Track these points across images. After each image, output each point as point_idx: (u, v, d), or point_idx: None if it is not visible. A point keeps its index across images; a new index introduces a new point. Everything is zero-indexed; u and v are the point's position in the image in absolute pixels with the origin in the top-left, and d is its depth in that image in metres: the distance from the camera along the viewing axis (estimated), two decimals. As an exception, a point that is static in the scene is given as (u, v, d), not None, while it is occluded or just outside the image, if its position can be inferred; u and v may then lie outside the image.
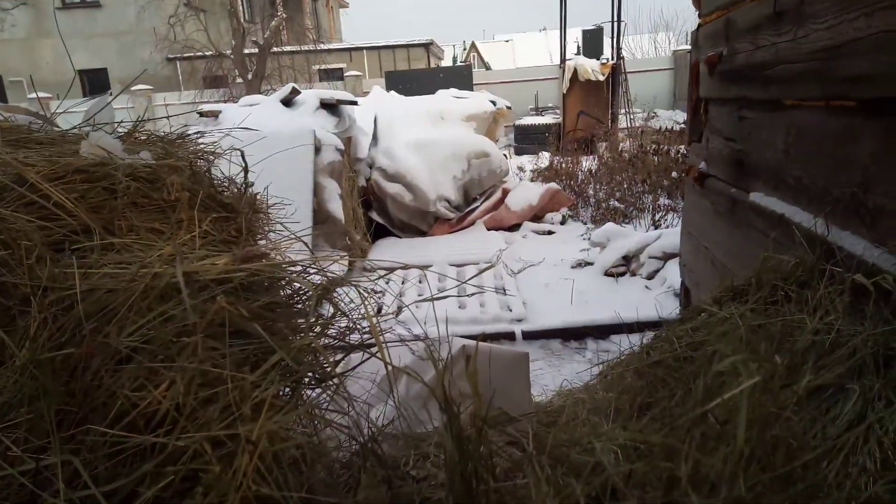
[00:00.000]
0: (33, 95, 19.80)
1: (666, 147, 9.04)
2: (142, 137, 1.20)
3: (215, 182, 1.06)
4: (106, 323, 0.66)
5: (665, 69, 17.65)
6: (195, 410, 0.65)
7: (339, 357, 0.88)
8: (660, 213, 7.38)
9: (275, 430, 0.65)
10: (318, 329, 0.87)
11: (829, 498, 0.63)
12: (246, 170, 1.10)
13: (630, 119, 12.49)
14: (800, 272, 1.73)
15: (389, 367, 0.81)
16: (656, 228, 6.91)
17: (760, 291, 1.83)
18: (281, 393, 0.77)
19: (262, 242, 1.07)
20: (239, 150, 1.10)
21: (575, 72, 13.57)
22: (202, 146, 1.18)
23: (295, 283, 0.88)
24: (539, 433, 0.78)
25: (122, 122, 1.18)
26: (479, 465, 0.66)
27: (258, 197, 1.13)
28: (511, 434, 0.73)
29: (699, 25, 2.84)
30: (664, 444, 0.68)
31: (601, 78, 13.35)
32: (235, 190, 1.07)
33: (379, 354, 0.83)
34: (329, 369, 0.83)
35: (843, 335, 1.48)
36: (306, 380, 0.83)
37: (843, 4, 1.51)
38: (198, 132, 1.37)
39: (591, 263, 6.08)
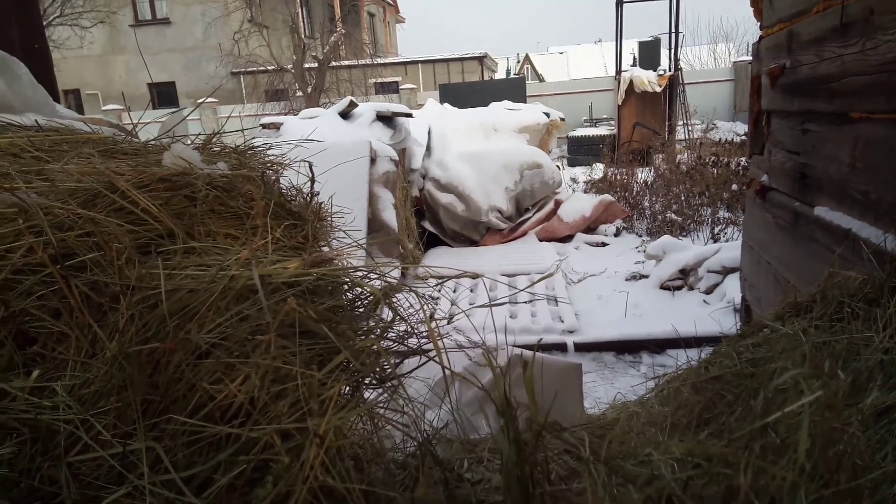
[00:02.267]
0: (106, 107, 20.97)
1: (725, 159, 8.79)
2: (216, 149, 1.27)
3: (284, 191, 1.12)
4: (187, 320, 0.72)
5: (725, 80, 17.19)
6: (267, 404, 0.69)
7: (398, 359, 0.91)
8: (719, 227, 7.17)
9: (340, 425, 0.69)
10: (378, 332, 0.90)
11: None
12: (312, 180, 1.15)
13: (688, 130, 12.20)
14: (868, 289, 1.67)
15: (447, 372, 0.84)
16: (715, 242, 6.72)
17: (825, 308, 1.77)
18: (343, 391, 0.80)
19: (326, 249, 1.12)
20: (307, 161, 1.16)
21: (631, 83, 13.38)
22: (271, 157, 1.24)
23: (357, 288, 0.92)
24: (594, 442, 0.79)
25: (198, 135, 1.26)
26: (536, 470, 0.68)
27: (322, 206, 1.18)
28: (566, 441, 0.75)
29: (760, 37, 2.78)
30: (723, 454, 0.68)
31: (658, 89, 13.12)
32: (302, 199, 1.12)
33: (437, 358, 0.86)
34: (389, 371, 0.87)
35: (913, 354, 1.42)
36: (368, 380, 0.86)
37: (916, 13, 1.46)
38: (265, 143, 1.44)
39: (646, 276, 5.96)
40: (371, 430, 0.88)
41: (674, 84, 13.15)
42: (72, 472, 0.65)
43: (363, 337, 0.86)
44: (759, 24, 2.87)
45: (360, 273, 0.90)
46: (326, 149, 2.35)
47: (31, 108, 1.44)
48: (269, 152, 1.38)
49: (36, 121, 1.13)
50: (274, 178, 1.16)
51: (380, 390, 0.87)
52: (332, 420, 0.67)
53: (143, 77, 25.44)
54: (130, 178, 0.86)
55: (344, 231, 1.18)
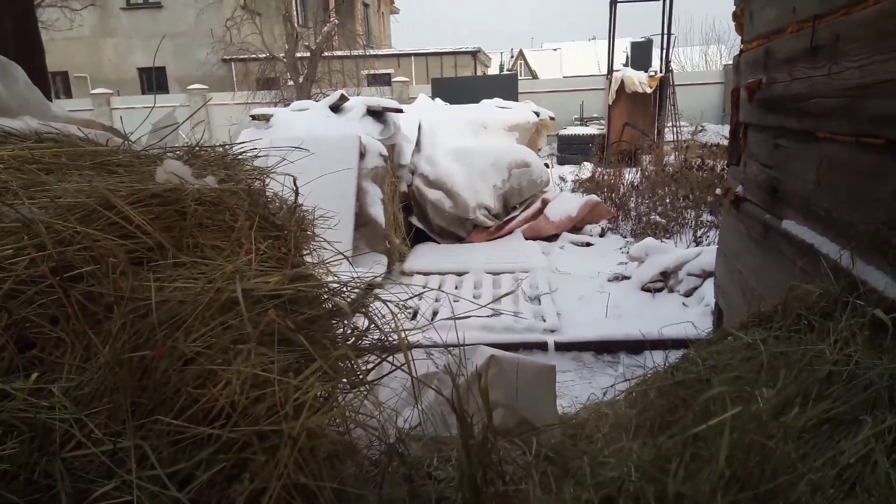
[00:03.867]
0: (95, 91, 20.76)
1: (711, 162, 8.91)
2: (203, 153, 1.33)
3: (268, 204, 1.18)
4: (175, 329, 0.78)
5: (715, 83, 17.34)
6: (246, 408, 0.76)
7: (370, 366, 0.98)
8: (702, 230, 7.29)
9: (313, 428, 0.76)
10: (352, 340, 0.97)
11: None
12: (296, 193, 1.22)
13: (676, 132, 12.32)
14: (823, 303, 1.76)
15: (414, 379, 0.91)
16: (698, 245, 6.84)
17: (785, 319, 1.86)
18: (319, 396, 0.87)
19: (308, 258, 1.19)
20: (291, 175, 1.23)
21: (622, 83, 13.48)
22: (257, 167, 1.30)
23: (334, 299, 0.99)
24: (545, 444, 0.86)
25: (191, 146, 1.32)
26: (488, 470, 0.75)
27: (305, 217, 1.25)
28: (518, 444, 0.82)
29: (741, 51, 2.87)
30: (655, 462, 0.76)
31: (648, 90, 13.23)
32: (286, 212, 1.19)
33: (406, 366, 0.93)
34: (361, 377, 0.94)
35: (860, 367, 1.51)
36: (341, 385, 0.93)
37: (875, 45, 1.54)
38: (254, 147, 1.49)
39: (627, 277, 6.06)
40: (344, 431, 0.95)
41: (664, 85, 13.26)
42: (66, 466, 0.72)
43: (338, 345, 0.93)
44: (740, 38, 2.96)
45: (336, 285, 0.97)
46: (314, 142, 2.39)
47: (27, 110, 1.49)
48: (256, 151, 1.44)
49: (36, 132, 1.18)
50: (260, 188, 1.22)
51: (352, 395, 0.94)
52: (306, 423, 0.74)
53: (132, 61, 25.20)
54: (125, 195, 0.92)
55: (327, 241, 1.24)
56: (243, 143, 1.52)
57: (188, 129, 1.71)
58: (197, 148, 1.37)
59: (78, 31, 22.98)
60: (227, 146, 1.35)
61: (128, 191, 0.93)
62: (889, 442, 1.27)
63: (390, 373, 0.98)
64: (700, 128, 12.40)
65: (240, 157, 1.35)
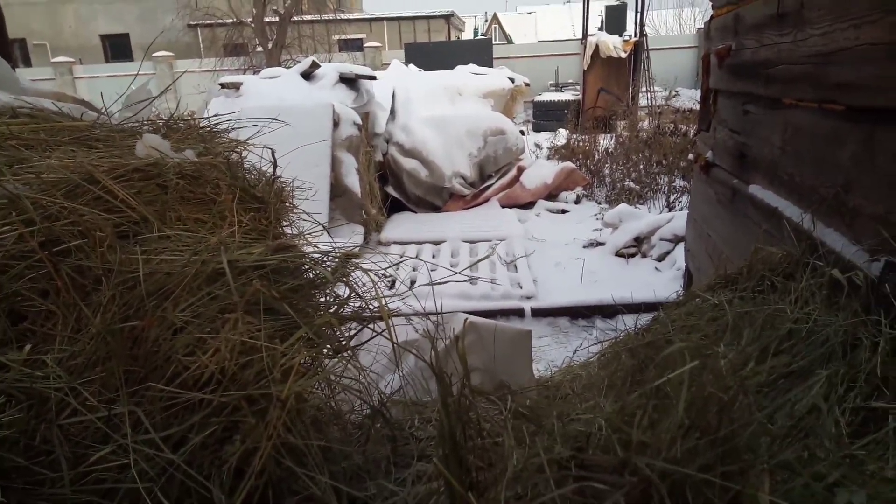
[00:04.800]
0: (56, 59, 20.04)
1: (684, 128, 9.01)
2: (179, 126, 1.34)
3: (247, 176, 1.19)
4: (163, 300, 0.81)
5: (689, 47, 17.37)
6: (235, 374, 0.79)
7: (352, 332, 1.02)
8: (674, 195, 7.40)
9: (299, 391, 0.80)
10: (334, 308, 1.01)
11: (752, 456, 0.76)
12: (275, 165, 1.23)
13: (651, 98, 12.37)
14: (786, 264, 1.84)
15: (395, 344, 0.95)
16: (670, 210, 6.96)
17: (750, 280, 1.95)
18: (303, 362, 0.91)
19: (288, 230, 1.21)
20: (270, 148, 1.24)
21: (597, 48, 13.43)
22: (233, 140, 1.31)
23: (316, 269, 1.02)
24: (520, 404, 0.92)
25: (170, 119, 1.32)
26: (467, 426, 0.80)
27: (284, 189, 1.27)
28: (494, 401, 0.87)
29: (712, 17, 2.90)
30: (621, 414, 0.82)
31: (623, 55, 13.21)
32: (264, 180, 1.20)
33: (387, 333, 0.97)
34: (344, 343, 0.98)
35: (818, 325, 1.60)
36: (325, 351, 0.97)
37: (836, 14, 1.59)
38: (228, 119, 1.50)
39: (602, 244, 6.16)
40: (328, 395, 0.99)
41: (638, 50, 13.25)
42: (63, 433, 0.75)
43: (321, 313, 0.97)
44: (711, 3, 2.98)
45: (318, 255, 1.00)
46: (286, 111, 2.38)
47: (-4, 84, 1.47)
48: (231, 123, 1.45)
49: (12, 108, 1.17)
50: (238, 161, 1.23)
51: (336, 360, 0.98)
52: (293, 386, 0.78)
53: (94, 27, 24.32)
54: (108, 170, 0.93)
55: (305, 213, 1.27)
56: (218, 115, 1.52)
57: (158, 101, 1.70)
58: (173, 121, 1.37)
59: (34, -4, 22.05)
60: (204, 119, 1.36)
61: (110, 165, 0.95)
62: (841, 393, 1.36)
63: (372, 339, 1.03)
64: (674, 93, 12.46)
65: (215, 129, 1.35)
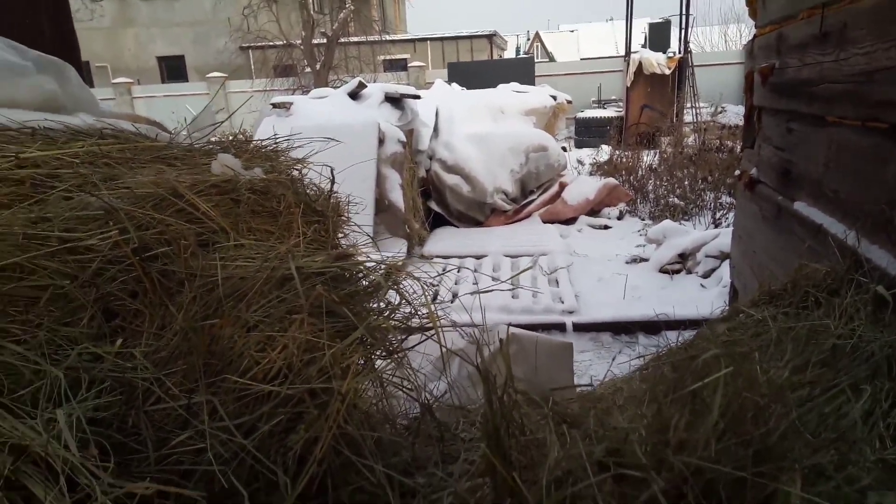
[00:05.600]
0: (116, 80, 21.06)
1: (730, 144, 8.88)
2: (246, 146, 1.45)
3: (308, 191, 1.29)
4: (238, 301, 0.90)
5: (735, 63, 17.08)
6: (300, 369, 0.87)
7: (403, 336, 1.10)
8: (721, 212, 7.29)
9: (357, 387, 0.87)
10: (387, 313, 1.08)
11: (785, 459, 0.80)
12: (332, 181, 1.33)
13: (696, 114, 12.23)
14: (830, 280, 1.84)
15: (443, 348, 1.02)
16: (716, 227, 6.86)
17: (794, 296, 1.94)
18: (359, 361, 0.99)
19: (343, 240, 1.30)
20: (329, 166, 1.34)
21: (640, 65, 13.38)
22: (295, 159, 1.42)
23: (370, 277, 1.10)
24: (561, 409, 0.98)
25: (235, 137, 1.43)
26: (510, 423, 0.86)
27: (340, 203, 1.36)
28: (536, 400, 0.93)
29: (755, 36, 2.91)
30: (658, 416, 0.86)
31: (667, 72, 13.11)
32: (324, 199, 1.30)
33: (435, 337, 1.04)
34: (396, 345, 1.05)
35: (863, 340, 1.59)
36: (378, 352, 1.04)
37: (878, 33, 1.60)
38: (286, 138, 1.61)
39: (646, 260, 6.11)
40: (381, 394, 1.06)
41: (683, 66, 13.13)
42: (149, 418, 0.84)
43: (375, 317, 1.05)
44: (754, 23, 2.99)
45: (372, 264, 1.08)
46: (337, 130, 2.49)
47: (80, 107, 1.62)
48: (290, 142, 1.56)
49: (100, 130, 1.31)
50: (299, 177, 1.34)
51: (388, 361, 1.05)
52: (352, 382, 0.86)
53: (152, 50, 25.49)
54: (189, 185, 1.04)
55: (357, 226, 1.36)
56: (277, 135, 1.64)
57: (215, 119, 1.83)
58: (237, 141, 1.49)
59: (98, 22, 23.24)
60: (268, 140, 1.47)
61: (191, 181, 1.05)
62: (885, 408, 1.36)
63: (422, 342, 1.10)
64: (720, 109, 12.29)
65: (277, 149, 1.46)
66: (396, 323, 1.10)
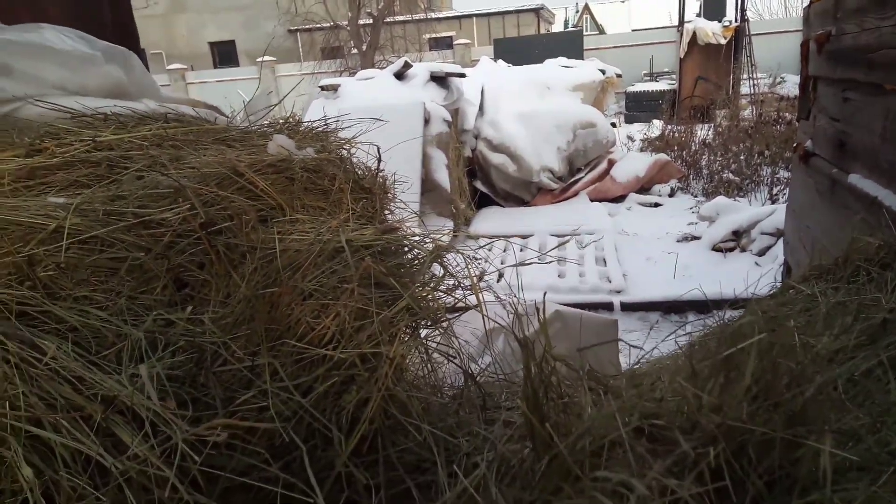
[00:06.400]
0: (171, 67, 21.73)
1: (789, 116, 8.53)
2: (300, 127, 1.53)
3: (357, 169, 1.36)
4: (295, 272, 0.97)
5: (795, 31, 16.26)
6: (351, 335, 0.94)
7: (448, 305, 1.15)
8: (778, 187, 7.04)
9: (404, 352, 0.93)
10: (432, 284, 1.14)
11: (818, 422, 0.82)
12: (379, 160, 1.39)
13: (753, 85, 11.74)
14: (883, 254, 1.79)
15: (485, 317, 1.07)
16: (773, 203, 6.64)
17: (846, 271, 1.91)
18: (406, 328, 1.05)
19: (389, 217, 1.36)
20: (376, 145, 1.40)
21: (694, 35, 12.91)
22: (343, 139, 1.49)
23: (416, 250, 1.16)
24: (594, 370, 1.02)
25: (287, 120, 1.51)
26: (548, 386, 0.91)
27: (386, 181, 1.42)
28: (572, 367, 0.97)
29: (811, 2, 2.80)
30: (692, 381, 0.89)
31: (722, 41, 12.62)
32: (371, 177, 1.36)
33: (479, 309, 1.09)
34: (441, 314, 1.11)
35: (916, 316, 1.56)
36: (423, 321, 1.11)
37: (940, -5, 1.54)
38: (335, 119, 1.67)
39: (697, 238, 5.99)
40: (426, 360, 1.12)
41: (740, 35, 12.60)
42: (217, 378, 0.92)
43: (420, 288, 1.11)
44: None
45: (417, 238, 1.13)
46: (383, 111, 2.54)
47: (144, 94, 1.73)
48: (338, 123, 1.62)
49: (165, 115, 1.40)
50: (348, 156, 1.40)
51: (433, 330, 1.11)
52: (399, 348, 0.92)
53: (204, 36, 26.12)
54: (249, 165, 1.12)
55: (403, 202, 1.42)
56: (327, 117, 1.71)
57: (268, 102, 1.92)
58: (288, 123, 1.56)
59: (153, 9, 23.92)
60: (318, 121, 1.54)
61: (250, 161, 1.13)
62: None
63: (465, 311, 1.15)
64: (779, 79, 11.75)
65: (326, 129, 1.53)
66: (441, 294, 1.16)
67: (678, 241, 6.02)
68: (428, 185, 6.25)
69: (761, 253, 5.45)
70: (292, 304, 0.93)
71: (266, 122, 1.50)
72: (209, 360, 0.92)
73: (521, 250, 5.77)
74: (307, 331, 0.93)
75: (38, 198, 1.00)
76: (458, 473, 0.82)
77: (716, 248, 5.66)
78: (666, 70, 16.80)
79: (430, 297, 1.10)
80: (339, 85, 7.27)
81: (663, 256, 5.53)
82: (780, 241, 5.18)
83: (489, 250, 1.75)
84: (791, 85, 11.42)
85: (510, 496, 0.79)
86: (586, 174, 7.65)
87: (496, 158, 7.26)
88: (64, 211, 0.92)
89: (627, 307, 4.66)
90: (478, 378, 1.33)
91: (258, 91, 1.85)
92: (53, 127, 1.22)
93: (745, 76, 12.30)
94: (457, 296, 1.20)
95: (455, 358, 1.11)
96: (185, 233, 1.01)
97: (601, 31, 30.18)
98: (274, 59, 20.52)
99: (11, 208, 0.93)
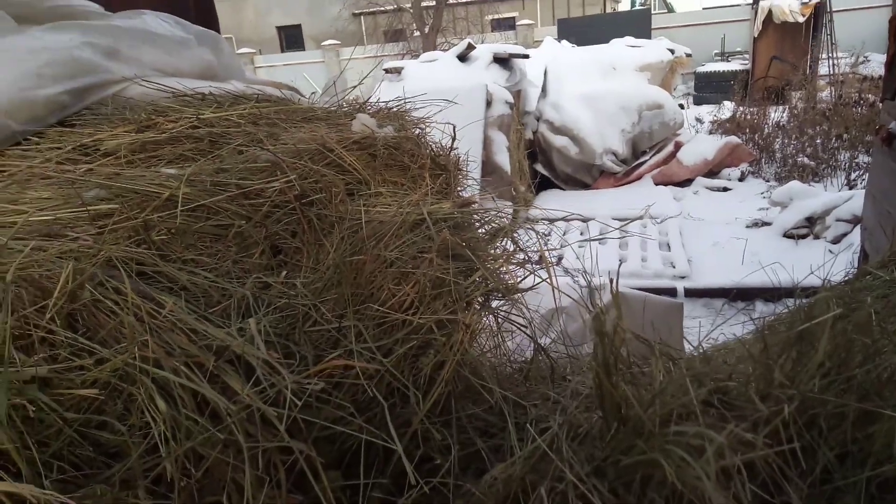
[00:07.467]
0: (240, 51, 22.37)
1: (871, 97, 8.04)
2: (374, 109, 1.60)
3: (433, 148, 1.42)
4: (378, 241, 1.04)
5: (882, 6, 15.20)
6: (429, 302, 1.00)
7: (520, 277, 1.20)
8: (857, 172, 6.69)
9: (477, 319, 0.99)
10: (504, 257, 1.19)
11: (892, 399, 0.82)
12: (453, 139, 1.44)
13: (832, 65, 11.10)
14: (968, 239, 1.72)
15: (555, 289, 1.11)
16: (851, 189, 6.33)
17: (927, 256, 1.84)
18: (480, 298, 1.11)
19: (463, 193, 1.42)
20: (452, 124, 1.45)
21: (770, 12, 12.30)
22: (419, 119, 1.55)
23: (488, 224, 1.21)
24: (664, 345, 1.05)
25: (364, 102, 1.59)
26: (618, 357, 0.95)
27: (460, 159, 1.48)
28: (643, 340, 1.01)
29: (902, -26, 2.65)
30: (764, 355, 0.91)
31: (800, 19, 11.96)
32: (446, 155, 1.42)
33: (548, 281, 1.14)
34: (514, 285, 1.16)
35: None
36: (496, 293, 1.16)
37: None
38: (406, 101, 1.74)
39: (768, 223, 5.78)
40: (497, 330, 1.18)
41: (820, 12, 11.91)
42: (307, 337, 1.01)
43: (493, 260, 1.16)
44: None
45: (490, 213, 1.18)
46: (445, 94, 2.57)
47: (231, 76, 1.84)
48: (414, 112, 1.69)
49: (258, 96, 1.50)
50: (424, 135, 1.46)
51: (505, 301, 1.17)
52: (474, 315, 0.97)
53: (271, 20, 26.73)
54: (337, 142, 1.19)
55: (474, 179, 1.47)
56: (399, 98, 1.77)
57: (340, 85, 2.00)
58: (363, 105, 1.64)
59: (222, -5, 24.58)
60: (393, 102, 1.61)
61: (338, 138, 1.21)
62: None
63: (535, 286, 1.20)
64: (862, 58, 11.05)
65: (401, 110, 1.60)
66: (513, 267, 1.21)
67: (747, 226, 5.83)
68: (488, 168, 6.27)
69: (836, 240, 5.23)
70: (376, 271, 0.99)
71: (348, 103, 1.58)
72: (301, 321, 1.00)
73: (581, 234, 5.74)
74: (389, 296, 1.00)
75: (151, 169, 1.10)
76: (531, 430, 0.87)
77: (787, 235, 5.46)
78: (738, 50, 16.09)
79: (502, 269, 1.15)
80: (402, 67, 7.36)
81: (731, 242, 5.38)
82: (857, 229, 4.95)
83: (549, 232, 1.77)
84: (876, 64, 10.72)
85: (581, 455, 0.84)
86: (651, 157, 7.48)
87: (558, 141, 7.19)
88: (176, 181, 1.02)
89: (692, 293, 4.57)
90: (546, 350, 1.37)
91: (331, 78, 1.93)
92: (158, 105, 1.34)
93: (825, 55, 11.63)
94: (527, 269, 1.24)
95: (526, 328, 1.16)
96: (282, 203, 1.10)
97: (670, 10, 29.06)
98: (338, 42, 20.82)
99: (130, 178, 1.03)
